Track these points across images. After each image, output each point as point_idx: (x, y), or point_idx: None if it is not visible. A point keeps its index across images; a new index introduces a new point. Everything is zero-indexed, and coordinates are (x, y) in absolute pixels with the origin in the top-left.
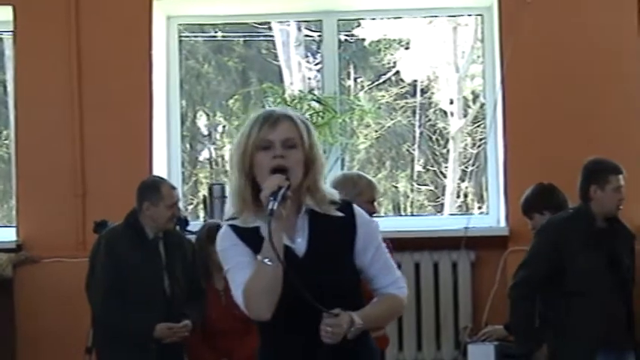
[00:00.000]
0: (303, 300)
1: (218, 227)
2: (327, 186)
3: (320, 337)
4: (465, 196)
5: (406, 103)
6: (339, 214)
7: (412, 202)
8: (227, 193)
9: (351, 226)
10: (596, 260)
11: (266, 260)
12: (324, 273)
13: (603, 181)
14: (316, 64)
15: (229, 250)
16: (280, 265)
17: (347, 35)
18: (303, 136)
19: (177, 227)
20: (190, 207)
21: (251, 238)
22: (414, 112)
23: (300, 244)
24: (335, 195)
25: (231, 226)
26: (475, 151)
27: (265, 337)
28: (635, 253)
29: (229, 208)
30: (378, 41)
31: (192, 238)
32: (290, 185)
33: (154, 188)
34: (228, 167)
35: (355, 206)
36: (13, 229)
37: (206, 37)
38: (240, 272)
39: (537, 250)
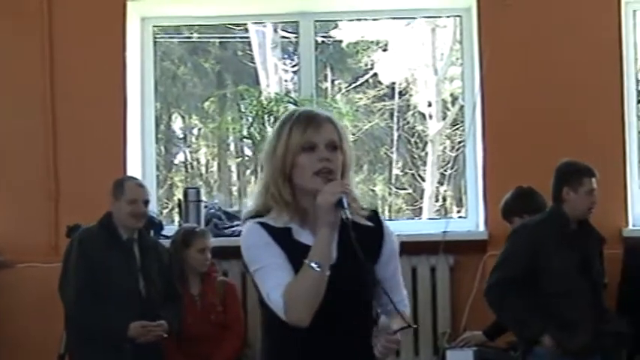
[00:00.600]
0: (337, 307)
1: (193, 231)
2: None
3: (346, 342)
4: (444, 199)
5: (384, 105)
6: (368, 223)
7: (390, 206)
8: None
9: (379, 237)
10: (569, 262)
11: (315, 265)
12: (351, 282)
13: (576, 183)
14: (293, 66)
15: (261, 249)
16: (327, 272)
17: (324, 37)
18: (343, 140)
19: (152, 232)
20: (165, 211)
21: (282, 239)
22: (391, 115)
23: (331, 250)
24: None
25: (262, 224)
26: (454, 155)
27: (285, 340)
28: (604, 257)
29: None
30: (356, 43)
31: (167, 242)
32: (348, 192)
33: (119, 184)
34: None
35: (382, 216)
36: None
37: (181, 38)
38: (277, 272)
39: (511, 251)
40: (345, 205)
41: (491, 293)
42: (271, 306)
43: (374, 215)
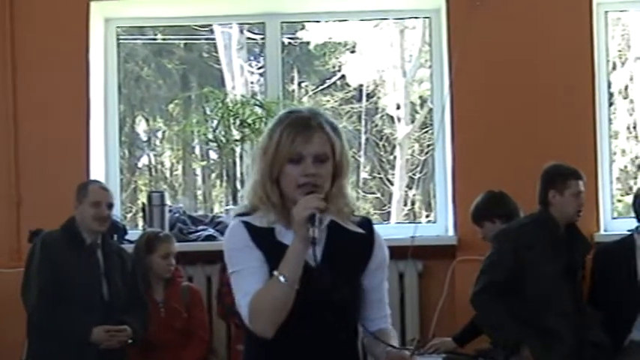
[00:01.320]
0: (316, 313)
1: (157, 236)
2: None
3: (325, 350)
4: (413, 204)
5: (352, 108)
6: (359, 230)
7: (358, 210)
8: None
9: (369, 245)
10: (553, 267)
11: (282, 279)
12: (333, 288)
13: (562, 185)
14: (259, 68)
15: (240, 252)
16: (295, 286)
17: (291, 38)
18: (335, 147)
19: (116, 237)
20: (129, 215)
21: (264, 239)
22: (359, 118)
23: (316, 254)
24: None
25: (245, 223)
26: (423, 158)
27: (262, 345)
28: (586, 262)
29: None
30: (323, 44)
31: (131, 247)
32: (325, 209)
33: (82, 187)
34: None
35: (374, 225)
36: None
37: (146, 39)
38: (249, 278)
39: (497, 256)
40: (316, 222)
41: (478, 300)
42: (240, 312)
43: (366, 222)
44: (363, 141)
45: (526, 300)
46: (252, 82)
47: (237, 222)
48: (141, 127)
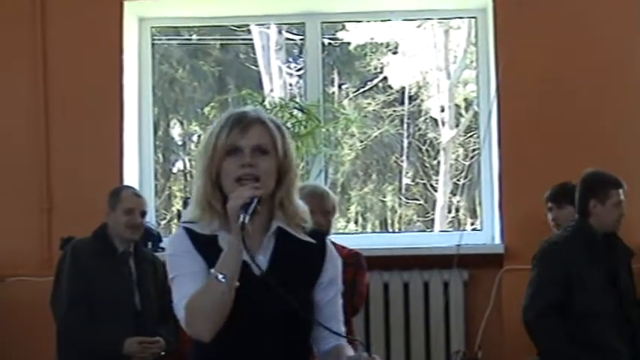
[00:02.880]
0: (261, 323)
1: None
2: (300, 202)
3: None
4: (457, 211)
5: (394, 111)
6: (310, 239)
7: (400, 218)
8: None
9: (320, 257)
10: (596, 280)
11: (220, 277)
12: (278, 299)
13: (603, 195)
14: (298, 70)
15: (180, 257)
16: (234, 284)
17: (331, 39)
18: (276, 143)
19: (150, 244)
20: (163, 222)
21: (206, 247)
22: (402, 121)
23: (260, 263)
24: (307, 214)
25: (187, 229)
26: (468, 163)
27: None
28: (634, 271)
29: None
30: (364, 45)
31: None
32: (261, 198)
33: (115, 193)
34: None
35: (327, 237)
36: None
37: (181, 40)
38: (188, 283)
39: (544, 275)
40: (251, 209)
41: (541, 323)
42: (177, 317)
43: (317, 234)
44: (405, 145)
45: (576, 317)
46: (290, 85)
47: (180, 229)
48: (175, 130)
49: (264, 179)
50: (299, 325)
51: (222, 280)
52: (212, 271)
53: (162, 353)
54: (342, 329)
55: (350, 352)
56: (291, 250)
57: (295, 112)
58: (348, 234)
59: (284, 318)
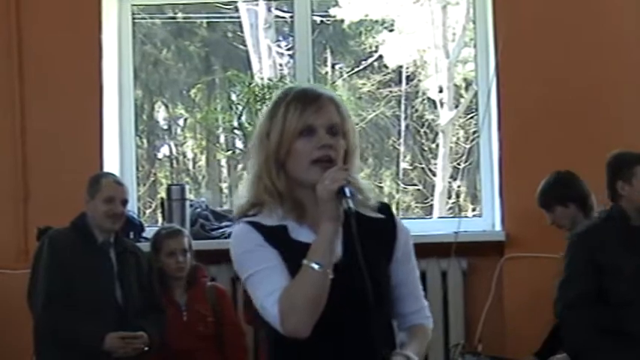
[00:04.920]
0: (344, 313)
1: (160, 232)
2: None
3: (356, 355)
4: (457, 196)
5: (390, 92)
6: (378, 215)
7: (398, 204)
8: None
9: (392, 231)
10: (631, 265)
11: (316, 266)
12: (360, 281)
13: (629, 173)
14: (288, 49)
15: (255, 252)
16: (329, 273)
17: (323, 16)
18: (345, 123)
19: (132, 234)
20: (148, 211)
21: (276, 239)
22: (399, 103)
23: (336, 247)
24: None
25: (253, 223)
26: (468, 146)
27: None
28: None
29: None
30: (359, 22)
31: (148, 245)
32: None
33: (94, 181)
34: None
35: (393, 210)
36: None
37: (164, 18)
38: (273, 277)
39: (572, 265)
40: (348, 193)
41: (572, 315)
42: (265, 316)
43: (385, 208)
44: (402, 128)
45: (609, 306)
46: (280, 65)
47: (242, 224)
48: (160, 114)
49: (338, 161)
50: (380, 308)
51: (318, 268)
52: (305, 261)
53: (146, 349)
54: (424, 304)
55: (427, 334)
56: (363, 229)
57: None
58: None
59: (364, 302)
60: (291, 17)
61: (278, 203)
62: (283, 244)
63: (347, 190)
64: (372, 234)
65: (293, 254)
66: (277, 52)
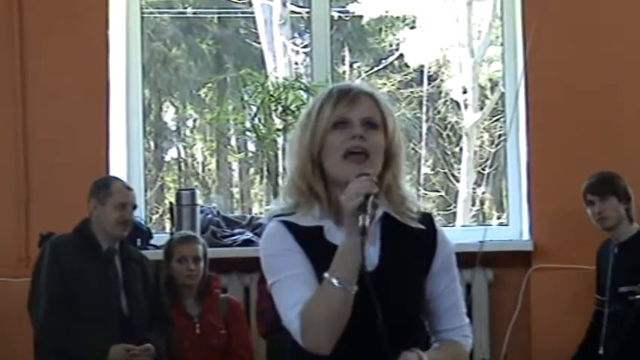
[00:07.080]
0: (363, 332)
1: (172, 238)
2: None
3: None
4: (482, 203)
5: (411, 92)
6: (419, 225)
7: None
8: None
9: (431, 243)
10: None
11: (335, 282)
12: (393, 292)
13: None
14: (304, 47)
15: (282, 257)
16: (352, 289)
17: (341, 12)
18: (387, 119)
19: (139, 241)
20: (155, 217)
21: (311, 241)
22: (420, 104)
23: (371, 254)
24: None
25: (286, 223)
26: (493, 150)
27: None
28: None
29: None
30: (379, 19)
31: (156, 253)
32: (379, 191)
33: (103, 185)
34: (191, 170)
35: (437, 220)
36: None
37: (174, 13)
38: (297, 286)
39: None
40: (369, 208)
41: None
42: (288, 327)
43: (427, 219)
44: (424, 130)
45: None
46: (296, 63)
47: (275, 223)
48: (169, 115)
49: (373, 156)
50: (413, 325)
51: (338, 285)
52: (326, 275)
53: None
54: (464, 322)
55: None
56: (400, 238)
57: (301, 93)
58: None
59: (402, 307)
60: (308, 13)
61: (314, 203)
62: (316, 246)
63: (368, 203)
64: (410, 243)
65: (327, 258)
66: (293, 50)
